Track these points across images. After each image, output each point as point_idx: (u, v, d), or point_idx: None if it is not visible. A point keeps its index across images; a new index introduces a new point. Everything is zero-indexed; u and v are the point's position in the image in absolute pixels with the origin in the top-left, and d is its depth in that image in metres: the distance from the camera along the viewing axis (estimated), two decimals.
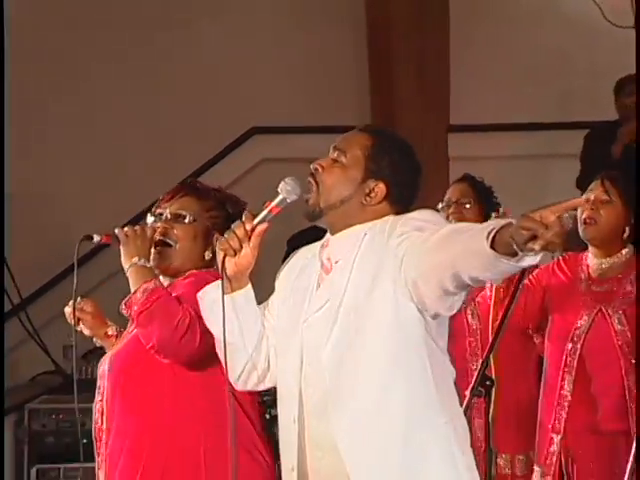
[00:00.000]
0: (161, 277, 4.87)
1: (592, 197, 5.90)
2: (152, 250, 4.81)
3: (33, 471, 7.67)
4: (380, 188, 4.04)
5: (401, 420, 3.96)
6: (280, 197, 4.02)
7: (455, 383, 4.15)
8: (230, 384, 4.27)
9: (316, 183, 4.06)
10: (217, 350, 4.23)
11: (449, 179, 9.55)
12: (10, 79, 8.68)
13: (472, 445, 4.41)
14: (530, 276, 6.06)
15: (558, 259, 6.15)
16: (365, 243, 4.03)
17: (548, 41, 9.75)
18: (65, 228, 9.08)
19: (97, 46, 9.73)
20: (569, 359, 5.85)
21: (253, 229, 3.97)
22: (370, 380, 3.98)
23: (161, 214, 4.87)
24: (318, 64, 9.96)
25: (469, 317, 6.41)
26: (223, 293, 4.00)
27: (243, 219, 4.00)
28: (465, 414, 4.89)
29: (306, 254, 4.26)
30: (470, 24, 9.85)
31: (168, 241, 4.81)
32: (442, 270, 3.79)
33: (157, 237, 4.82)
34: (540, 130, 9.76)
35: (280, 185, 4.03)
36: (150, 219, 4.91)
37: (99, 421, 4.90)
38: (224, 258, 4.00)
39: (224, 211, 4.88)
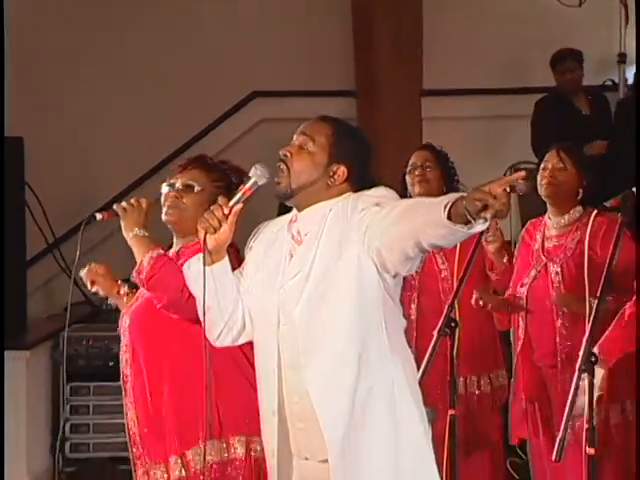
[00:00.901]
0: (175, 239, 4.91)
1: (549, 166, 5.90)
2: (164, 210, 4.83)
3: (67, 388, 7.65)
4: (342, 170, 4.06)
5: (355, 368, 4.00)
6: (252, 181, 4.04)
7: (405, 332, 4.21)
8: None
9: (287, 168, 4.03)
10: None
11: (422, 138, 9.59)
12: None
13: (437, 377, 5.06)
14: None
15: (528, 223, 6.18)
16: (330, 218, 4.04)
17: (508, 16, 9.64)
18: (93, 179, 9.18)
19: (123, 17, 9.57)
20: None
21: (230, 210, 4.02)
22: (335, 336, 4.02)
23: (173, 184, 4.85)
24: (311, 34, 9.82)
25: (439, 264, 6.39)
26: (205, 265, 4.04)
27: (219, 202, 4.03)
28: (433, 351, 5.15)
29: (272, 228, 4.25)
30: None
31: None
32: (405, 240, 3.85)
33: (169, 202, 4.83)
34: (500, 94, 9.67)
35: (251, 170, 4.04)
36: (165, 188, 4.88)
37: (125, 370, 4.91)
38: (205, 235, 4.03)
39: (228, 180, 4.86)
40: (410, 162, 6.68)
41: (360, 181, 4.13)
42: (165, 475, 4.79)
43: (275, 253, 4.17)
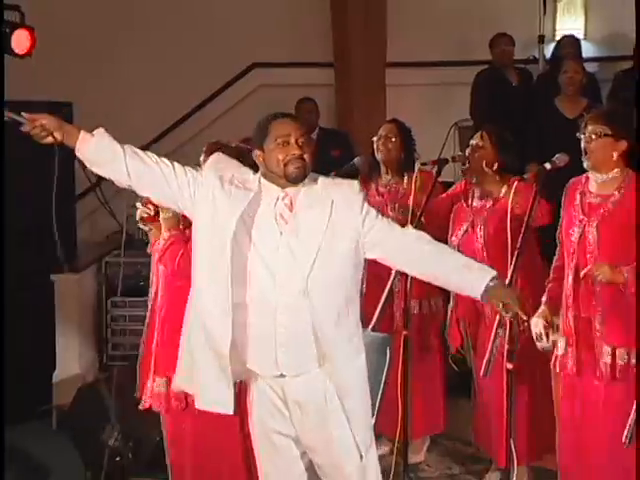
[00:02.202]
0: None
1: (473, 143, 5.91)
2: None
3: (109, 302, 7.82)
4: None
5: (342, 301, 4.00)
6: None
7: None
8: None
9: (304, 160, 3.93)
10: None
11: (386, 102, 9.63)
12: None
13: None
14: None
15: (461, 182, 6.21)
16: (333, 206, 3.96)
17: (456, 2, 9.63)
18: (126, 132, 9.08)
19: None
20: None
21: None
22: (335, 279, 3.97)
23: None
24: (299, 15, 9.73)
25: (389, 212, 6.30)
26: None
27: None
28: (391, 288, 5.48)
29: (235, 171, 4.03)
30: None
31: None
32: (414, 270, 4.17)
33: None
34: (448, 66, 9.62)
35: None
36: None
37: (155, 299, 4.88)
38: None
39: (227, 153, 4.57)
40: (378, 133, 6.57)
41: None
42: (165, 387, 4.74)
43: (241, 194, 3.94)
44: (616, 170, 4.99)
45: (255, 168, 4.16)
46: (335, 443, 4.03)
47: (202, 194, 3.97)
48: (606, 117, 5.03)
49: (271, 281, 3.93)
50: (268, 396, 4.06)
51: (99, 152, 3.91)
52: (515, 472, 5.30)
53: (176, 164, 4.03)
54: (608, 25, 9.71)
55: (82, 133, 3.89)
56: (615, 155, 4.97)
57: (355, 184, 4.12)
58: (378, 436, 5.67)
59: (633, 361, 4.84)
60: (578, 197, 5.10)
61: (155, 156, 4.02)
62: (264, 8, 9.64)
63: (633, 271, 4.79)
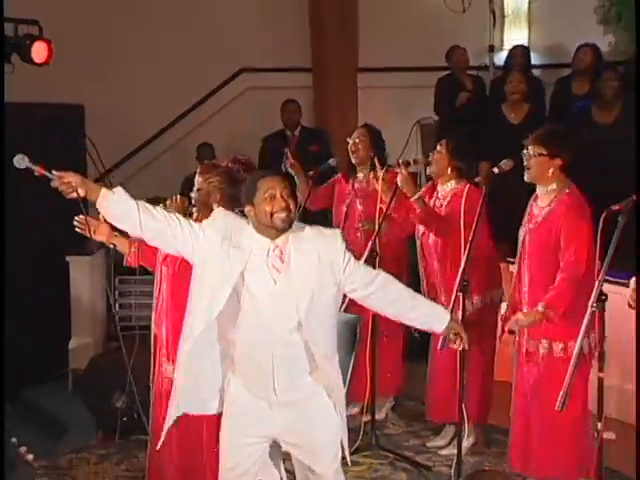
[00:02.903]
0: None
1: (434, 150, 5.91)
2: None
3: (116, 280, 7.78)
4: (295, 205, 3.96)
5: (330, 332, 4.00)
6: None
7: None
8: None
9: (290, 210, 3.89)
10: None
11: (357, 103, 9.61)
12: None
13: None
14: None
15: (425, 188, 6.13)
16: (320, 255, 3.90)
17: (420, 15, 9.57)
18: (129, 131, 9.09)
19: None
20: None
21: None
22: (324, 315, 3.96)
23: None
24: (280, 24, 9.61)
25: (358, 205, 6.37)
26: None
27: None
28: None
29: (238, 225, 3.98)
30: None
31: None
32: (378, 306, 4.13)
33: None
34: (412, 71, 9.57)
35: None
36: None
37: (159, 298, 4.75)
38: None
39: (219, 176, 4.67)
40: (351, 136, 6.50)
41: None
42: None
43: (239, 254, 3.89)
44: (553, 184, 5.03)
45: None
46: (320, 435, 4.05)
47: (203, 250, 3.94)
48: (542, 139, 5.07)
49: (267, 321, 3.91)
50: (246, 399, 4.03)
51: (117, 208, 3.86)
52: (466, 429, 5.37)
53: (182, 220, 3.98)
54: (549, 36, 9.69)
55: (103, 190, 3.85)
56: (551, 171, 5.01)
57: (338, 234, 4.08)
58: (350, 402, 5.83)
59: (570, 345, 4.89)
60: (531, 205, 5.17)
61: (163, 211, 3.98)
62: (250, 20, 9.56)
63: (550, 299, 4.89)
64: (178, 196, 4.86)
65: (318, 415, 4.04)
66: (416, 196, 5.69)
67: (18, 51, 7.11)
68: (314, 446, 4.05)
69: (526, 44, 9.52)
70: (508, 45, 9.55)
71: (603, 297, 4.41)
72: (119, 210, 3.86)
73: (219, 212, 4.09)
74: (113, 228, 4.61)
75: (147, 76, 9.10)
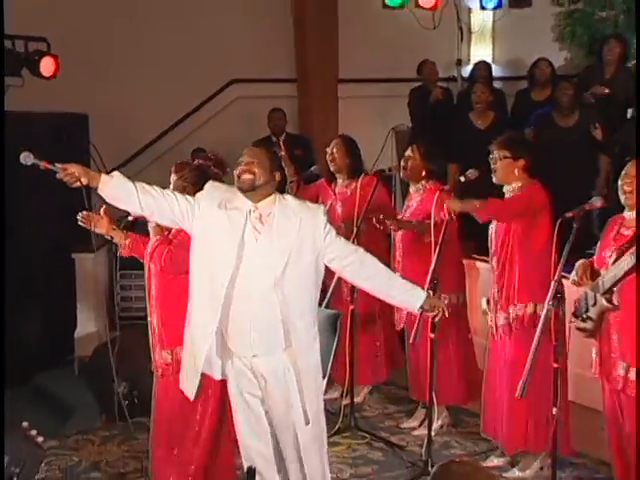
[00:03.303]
0: None
1: (405, 154, 5.90)
2: None
3: (118, 274, 7.41)
4: (279, 176, 4.04)
5: (306, 298, 4.02)
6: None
7: None
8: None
9: (252, 173, 3.93)
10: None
11: (338, 111, 9.55)
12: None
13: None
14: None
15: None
16: (302, 223, 3.96)
17: (394, 32, 9.40)
18: (130, 136, 8.96)
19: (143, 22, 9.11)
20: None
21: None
22: (300, 279, 3.97)
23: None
24: (267, 39, 9.48)
25: (338, 208, 6.33)
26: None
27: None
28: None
29: (223, 197, 3.99)
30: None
31: None
32: (354, 279, 4.18)
33: None
34: (388, 82, 9.43)
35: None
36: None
37: (149, 294, 4.74)
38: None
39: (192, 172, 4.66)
40: (330, 146, 6.45)
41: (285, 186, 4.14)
42: (170, 356, 4.63)
43: (237, 214, 3.94)
44: (518, 182, 5.11)
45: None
46: (290, 409, 4.04)
47: (201, 220, 3.99)
48: (506, 143, 5.17)
49: (248, 277, 3.93)
50: (241, 369, 4.07)
51: (117, 191, 3.90)
52: (436, 409, 5.58)
53: (177, 195, 4.05)
54: (510, 52, 9.76)
55: (102, 176, 3.89)
56: (516, 171, 5.10)
57: (321, 208, 4.11)
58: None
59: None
60: None
61: (160, 189, 4.01)
62: (240, 35, 9.39)
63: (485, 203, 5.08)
64: None
65: (288, 393, 4.04)
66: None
67: (28, 66, 7.13)
68: (285, 416, 4.07)
69: (490, 59, 9.59)
70: (474, 59, 9.56)
71: (559, 295, 4.50)
72: (119, 193, 3.90)
73: (210, 185, 4.13)
74: (111, 222, 4.70)
75: (146, 86, 8.98)
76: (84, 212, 4.62)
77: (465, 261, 6.15)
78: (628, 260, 4.19)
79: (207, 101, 9.42)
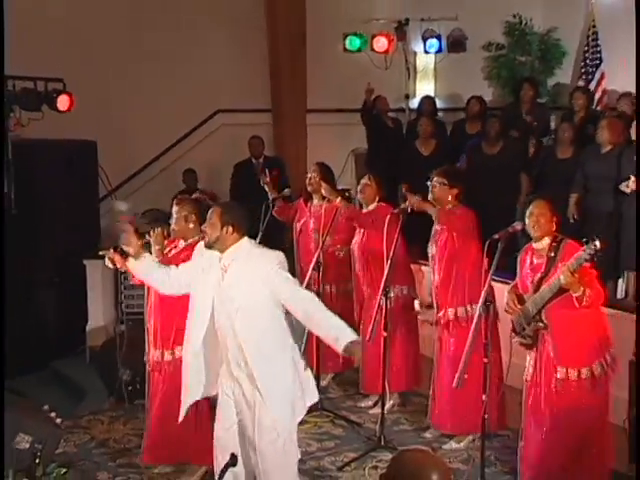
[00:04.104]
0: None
1: (362, 182, 5.93)
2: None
3: (122, 276, 7.13)
4: (233, 228, 3.90)
5: (261, 330, 3.89)
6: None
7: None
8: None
9: (206, 234, 3.93)
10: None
11: (307, 137, 9.46)
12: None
13: None
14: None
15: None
16: (257, 267, 3.87)
17: (352, 71, 9.28)
18: (130, 159, 8.87)
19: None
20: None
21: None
22: (256, 317, 3.88)
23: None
24: (247, 74, 9.36)
25: (311, 224, 6.27)
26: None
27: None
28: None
29: (208, 254, 4.00)
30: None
31: None
32: (296, 315, 3.94)
33: None
34: (345, 112, 9.29)
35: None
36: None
37: (148, 297, 4.80)
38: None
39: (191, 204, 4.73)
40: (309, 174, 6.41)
41: (243, 232, 3.94)
42: (171, 356, 4.66)
43: (212, 270, 3.95)
44: (450, 206, 5.19)
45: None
46: (257, 423, 3.93)
47: (193, 283, 4.07)
48: (444, 172, 5.26)
49: (217, 312, 3.94)
50: (224, 371, 4.07)
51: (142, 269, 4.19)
52: (388, 396, 5.61)
53: (181, 271, 4.17)
54: (449, 88, 9.77)
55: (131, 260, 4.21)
56: (450, 197, 5.18)
57: (279, 256, 3.96)
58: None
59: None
60: (435, 226, 5.31)
61: (167, 268, 4.22)
62: (225, 71, 9.29)
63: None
64: (158, 229, 4.85)
65: (256, 410, 3.94)
66: None
67: (47, 102, 7.09)
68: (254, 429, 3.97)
69: (433, 93, 9.60)
70: (419, 93, 9.56)
71: (488, 303, 4.56)
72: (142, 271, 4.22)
73: (198, 248, 4.14)
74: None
75: (144, 117, 8.85)
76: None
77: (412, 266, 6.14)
78: (547, 290, 4.30)
79: (196, 128, 9.33)
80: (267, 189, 6.52)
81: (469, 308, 5.14)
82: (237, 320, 3.87)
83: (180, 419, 4.14)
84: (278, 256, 3.97)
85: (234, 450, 3.77)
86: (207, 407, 4.56)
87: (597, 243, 3.98)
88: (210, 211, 3.98)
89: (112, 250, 4.25)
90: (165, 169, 9.12)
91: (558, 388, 4.38)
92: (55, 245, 7.30)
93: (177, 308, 4.41)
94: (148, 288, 4.74)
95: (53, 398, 5.80)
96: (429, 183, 5.22)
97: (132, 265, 4.17)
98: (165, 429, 4.70)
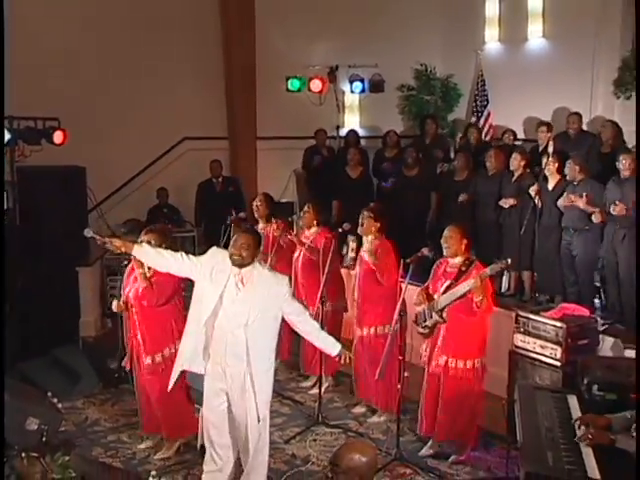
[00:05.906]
0: None
1: (304, 209, 5.90)
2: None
3: (108, 279, 7.59)
4: (258, 251, 3.95)
5: (267, 337, 3.94)
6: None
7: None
8: None
9: (241, 256, 3.87)
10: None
11: (257, 161, 9.40)
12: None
13: None
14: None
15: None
16: (270, 289, 3.90)
17: (298, 105, 9.18)
18: (112, 179, 8.65)
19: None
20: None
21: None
22: (262, 326, 3.88)
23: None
24: (208, 107, 9.17)
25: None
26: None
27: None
28: None
29: (220, 259, 3.90)
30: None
31: None
32: (296, 327, 4.04)
33: None
34: (291, 139, 9.21)
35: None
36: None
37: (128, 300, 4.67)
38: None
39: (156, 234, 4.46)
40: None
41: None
42: (161, 358, 4.57)
43: (222, 275, 3.87)
44: (373, 236, 5.28)
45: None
46: (249, 408, 3.97)
47: (200, 274, 3.95)
48: (373, 209, 5.33)
49: (227, 318, 3.90)
50: (215, 367, 4.01)
51: (144, 255, 4.03)
52: (324, 378, 5.60)
53: (185, 259, 3.97)
54: (371, 120, 9.82)
55: (135, 246, 3.99)
56: (373, 229, 5.27)
57: (287, 279, 4.02)
58: None
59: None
60: (361, 252, 5.36)
61: (171, 253, 4.03)
62: (191, 104, 9.06)
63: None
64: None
65: (245, 396, 3.96)
66: None
67: (45, 137, 7.04)
68: (242, 413, 4.01)
69: (358, 125, 9.70)
70: (348, 125, 9.62)
71: (402, 314, 4.74)
72: (146, 257, 4.03)
73: (213, 250, 4.04)
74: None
75: (123, 146, 8.60)
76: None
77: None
78: (460, 289, 4.47)
79: (166, 153, 9.18)
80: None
81: (383, 327, 5.18)
82: (247, 330, 3.86)
83: (169, 387, 4.04)
84: (287, 280, 4.02)
85: (222, 426, 3.98)
86: (181, 390, 4.52)
87: (508, 260, 4.18)
88: (248, 237, 3.91)
89: (108, 238, 4.04)
90: (141, 186, 9.01)
91: (443, 371, 4.61)
92: (53, 256, 7.17)
93: (159, 318, 4.43)
94: (126, 303, 4.65)
95: (53, 383, 5.76)
96: (361, 215, 5.28)
97: (138, 252, 3.97)
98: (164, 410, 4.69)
